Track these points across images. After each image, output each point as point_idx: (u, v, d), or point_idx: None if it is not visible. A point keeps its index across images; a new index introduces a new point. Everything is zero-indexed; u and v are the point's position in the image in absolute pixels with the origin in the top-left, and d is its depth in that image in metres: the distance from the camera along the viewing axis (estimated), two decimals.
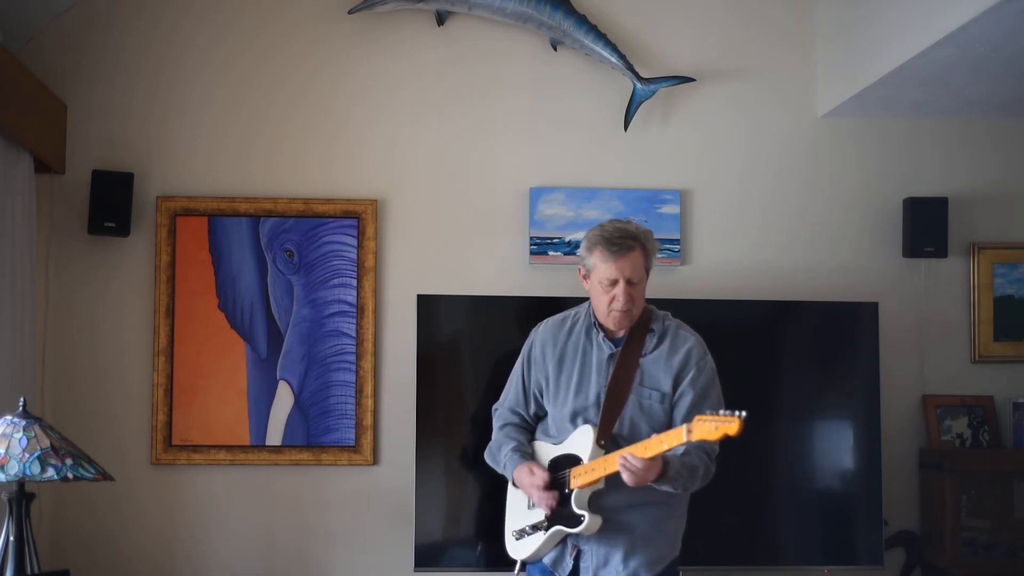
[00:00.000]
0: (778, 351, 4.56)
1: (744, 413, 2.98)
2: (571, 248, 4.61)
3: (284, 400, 4.56)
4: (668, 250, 4.68)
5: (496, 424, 3.61)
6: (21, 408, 3.52)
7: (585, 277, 3.42)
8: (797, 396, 4.52)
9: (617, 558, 3.34)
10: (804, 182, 4.79)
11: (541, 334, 3.54)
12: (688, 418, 3.19)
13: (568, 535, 3.36)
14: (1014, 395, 4.71)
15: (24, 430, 3.43)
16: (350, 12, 4.59)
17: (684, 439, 3.07)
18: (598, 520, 3.29)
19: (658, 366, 3.38)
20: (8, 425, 3.45)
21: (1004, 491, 4.64)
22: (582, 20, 4.60)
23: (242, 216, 4.59)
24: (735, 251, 4.74)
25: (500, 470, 3.53)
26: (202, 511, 4.53)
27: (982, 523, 4.61)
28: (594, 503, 3.31)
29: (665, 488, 3.27)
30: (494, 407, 3.66)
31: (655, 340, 3.41)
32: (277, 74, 4.67)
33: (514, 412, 3.57)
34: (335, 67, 4.68)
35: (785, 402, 4.51)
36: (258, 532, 4.54)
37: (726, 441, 3.29)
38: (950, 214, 4.72)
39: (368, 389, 4.57)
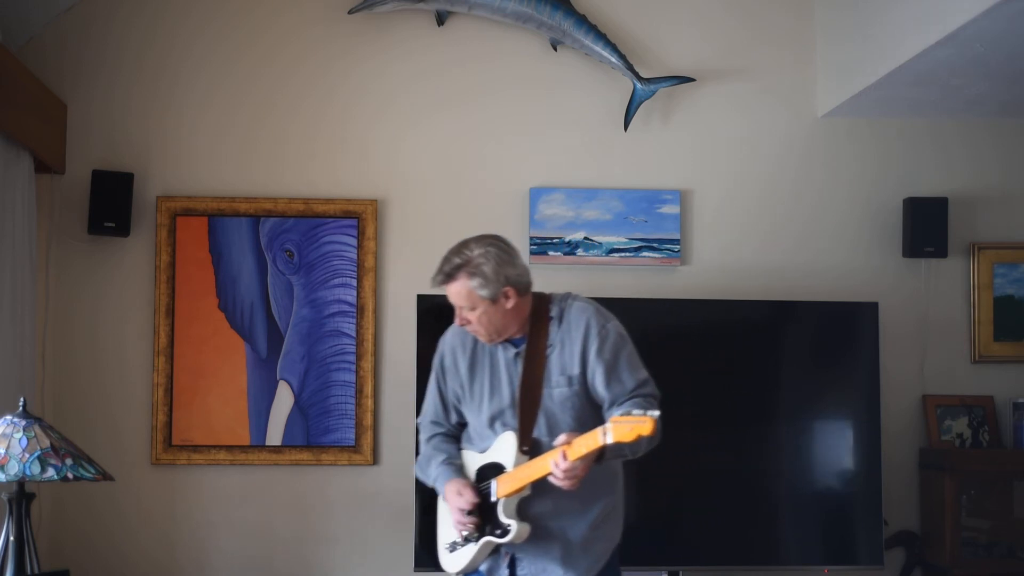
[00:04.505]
0: (778, 351, 4.56)
1: (657, 413, 2.87)
2: (571, 248, 4.61)
3: (284, 400, 4.56)
4: (668, 250, 4.68)
5: (423, 437, 3.50)
6: (21, 408, 3.52)
7: None
8: (797, 396, 4.52)
9: (554, 565, 3.24)
10: (804, 182, 4.79)
11: (449, 342, 3.44)
12: (609, 390, 3.18)
13: (498, 545, 3.26)
14: (1014, 395, 4.71)
15: (24, 430, 3.43)
16: (350, 12, 4.59)
17: (601, 442, 2.95)
18: (527, 528, 3.19)
19: (564, 349, 3.26)
20: (8, 425, 3.44)
21: (1004, 491, 4.64)
22: (582, 20, 4.60)
23: (242, 216, 4.59)
24: (735, 251, 4.74)
25: (431, 484, 3.43)
26: (202, 511, 4.53)
27: (982, 523, 4.61)
28: (523, 511, 3.21)
29: (613, 461, 3.22)
30: (418, 420, 3.57)
31: (557, 325, 3.29)
32: (277, 74, 4.67)
33: (437, 424, 3.47)
34: (335, 67, 4.68)
35: (785, 402, 4.51)
36: (258, 532, 4.54)
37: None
38: (950, 214, 4.72)
39: (368, 389, 4.56)
